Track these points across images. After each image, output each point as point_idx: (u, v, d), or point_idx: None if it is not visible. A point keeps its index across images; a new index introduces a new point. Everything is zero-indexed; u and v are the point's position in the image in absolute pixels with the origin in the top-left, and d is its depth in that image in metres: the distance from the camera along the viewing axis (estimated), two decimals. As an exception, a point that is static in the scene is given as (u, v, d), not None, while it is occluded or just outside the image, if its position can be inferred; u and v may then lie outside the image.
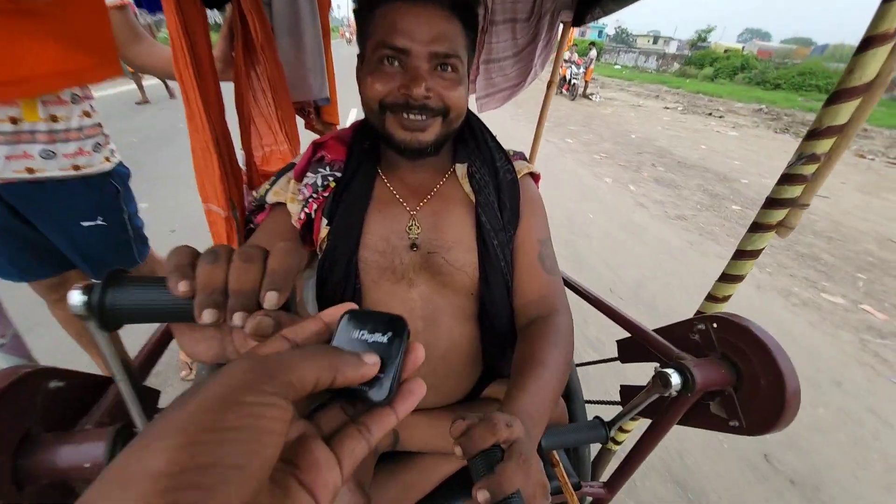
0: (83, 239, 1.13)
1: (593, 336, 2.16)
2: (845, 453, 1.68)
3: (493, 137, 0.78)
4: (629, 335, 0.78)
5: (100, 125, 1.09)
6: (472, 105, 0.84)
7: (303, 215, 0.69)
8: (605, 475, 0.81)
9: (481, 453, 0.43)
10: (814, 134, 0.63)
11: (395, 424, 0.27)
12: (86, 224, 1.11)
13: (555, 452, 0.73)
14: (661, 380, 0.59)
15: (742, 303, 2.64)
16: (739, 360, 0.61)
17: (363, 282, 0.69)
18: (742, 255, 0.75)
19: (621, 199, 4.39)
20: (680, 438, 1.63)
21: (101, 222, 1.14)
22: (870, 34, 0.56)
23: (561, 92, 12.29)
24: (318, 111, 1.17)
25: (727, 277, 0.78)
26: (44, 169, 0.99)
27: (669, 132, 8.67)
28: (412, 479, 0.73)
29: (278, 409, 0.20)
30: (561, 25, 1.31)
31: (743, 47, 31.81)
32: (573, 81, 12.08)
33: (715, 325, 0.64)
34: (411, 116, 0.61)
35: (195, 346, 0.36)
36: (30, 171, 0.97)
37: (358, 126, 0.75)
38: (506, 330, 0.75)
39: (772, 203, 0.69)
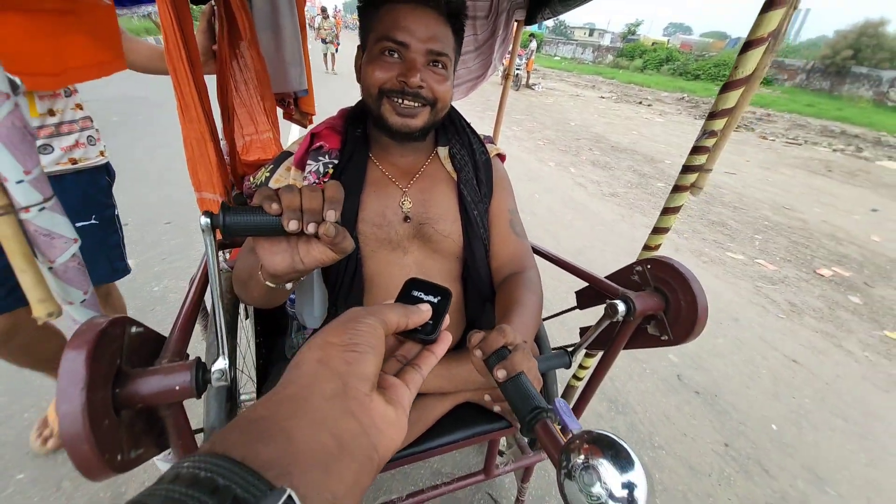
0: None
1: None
2: (740, 371, 2.09)
3: (469, 124, 0.89)
4: (585, 285, 0.91)
5: (90, 118, 1.08)
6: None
7: None
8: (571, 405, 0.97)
9: (495, 352, 0.54)
10: (712, 115, 0.81)
11: (435, 363, 0.39)
12: (79, 224, 1.07)
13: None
14: (610, 309, 0.73)
15: (664, 262, 3.07)
16: (667, 289, 0.76)
17: (363, 252, 0.78)
18: (667, 211, 0.95)
19: (562, 181, 4.78)
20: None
21: (94, 221, 1.11)
22: (749, 38, 0.71)
23: (504, 83, 12.70)
24: (296, 102, 1.26)
25: (657, 230, 0.97)
26: (44, 164, 0.94)
27: (604, 120, 9.33)
28: (412, 417, 0.81)
29: (379, 328, 0.32)
30: (515, 23, 1.43)
31: (668, 40, 34.18)
32: (517, 72, 12.52)
33: (649, 266, 0.78)
34: (405, 103, 0.70)
35: (273, 258, 0.51)
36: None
37: (348, 114, 0.83)
38: (485, 288, 0.86)
39: (686, 169, 0.88)
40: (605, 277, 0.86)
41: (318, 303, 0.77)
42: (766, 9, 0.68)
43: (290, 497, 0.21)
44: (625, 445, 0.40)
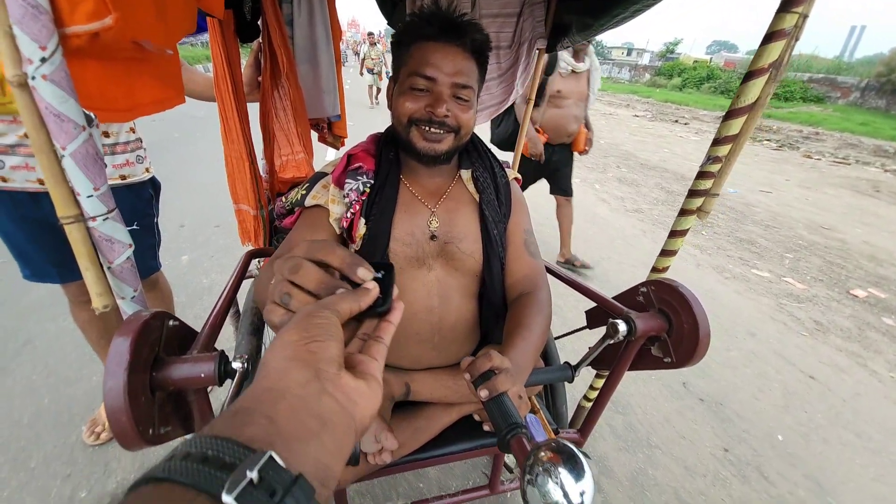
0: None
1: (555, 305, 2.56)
2: (749, 382, 2.09)
3: (489, 149, 0.94)
4: (594, 305, 0.92)
5: (140, 139, 1.23)
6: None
7: (349, 215, 0.81)
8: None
9: (481, 375, 0.59)
10: (716, 142, 0.82)
11: (394, 331, 0.41)
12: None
13: (536, 403, 0.93)
14: (611, 328, 0.74)
15: (679, 276, 3.08)
16: (671, 312, 0.76)
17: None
18: (674, 234, 0.95)
19: (586, 196, 4.84)
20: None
21: (136, 227, 1.25)
22: (751, 69, 0.73)
23: (538, 103, 12.87)
24: (329, 126, 1.42)
25: (665, 252, 0.98)
26: None
27: (636, 138, 9.28)
28: (421, 425, 0.85)
29: (333, 317, 0.34)
30: (536, 51, 1.47)
31: (711, 59, 33.35)
32: (548, 92, 12.67)
33: (653, 288, 0.80)
34: (432, 130, 0.76)
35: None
36: None
37: (381, 139, 0.88)
38: (499, 305, 0.90)
39: (692, 193, 0.88)
40: (613, 298, 0.87)
41: None
42: (766, 41, 0.70)
43: (271, 458, 0.23)
44: (580, 456, 0.43)
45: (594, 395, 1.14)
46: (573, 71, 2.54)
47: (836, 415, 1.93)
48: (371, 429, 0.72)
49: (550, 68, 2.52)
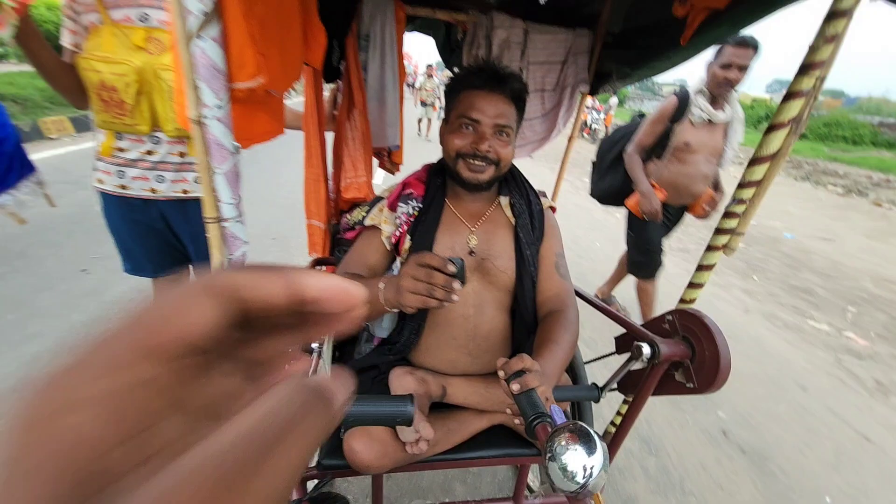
0: (205, 244, 1.49)
1: (587, 336, 2.55)
2: (798, 437, 1.98)
3: (526, 179, 1.05)
4: (623, 332, 0.96)
5: None
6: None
7: (397, 233, 0.94)
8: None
9: (514, 373, 0.66)
10: (741, 185, 0.87)
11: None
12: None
13: None
14: (636, 351, 0.79)
15: (724, 322, 2.97)
16: (693, 339, 0.80)
17: None
18: (701, 268, 0.99)
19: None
20: (648, 410, 1.99)
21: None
22: (773, 123, 0.78)
23: (582, 135, 12.95)
24: (389, 154, 1.59)
25: (692, 285, 1.01)
26: (194, 190, 1.29)
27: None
28: (453, 426, 0.92)
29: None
30: (579, 94, 1.59)
31: (771, 98, 32.13)
32: (594, 126, 12.73)
33: (678, 317, 0.84)
34: (476, 163, 0.89)
35: (416, 303, 0.71)
36: (184, 191, 1.28)
37: (431, 169, 1.02)
38: (530, 320, 0.96)
39: (718, 231, 0.93)
40: (641, 325, 0.92)
41: (388, 317, 0.98)
42: (786, 98, 0.75)
43: None
44: (593, 434, 0.49)
45: (619, 419, 1.14)
46: (709, 121, 2.02)
47: (889, 479, 1.79)
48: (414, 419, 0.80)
49: (679, 115, 2.06)
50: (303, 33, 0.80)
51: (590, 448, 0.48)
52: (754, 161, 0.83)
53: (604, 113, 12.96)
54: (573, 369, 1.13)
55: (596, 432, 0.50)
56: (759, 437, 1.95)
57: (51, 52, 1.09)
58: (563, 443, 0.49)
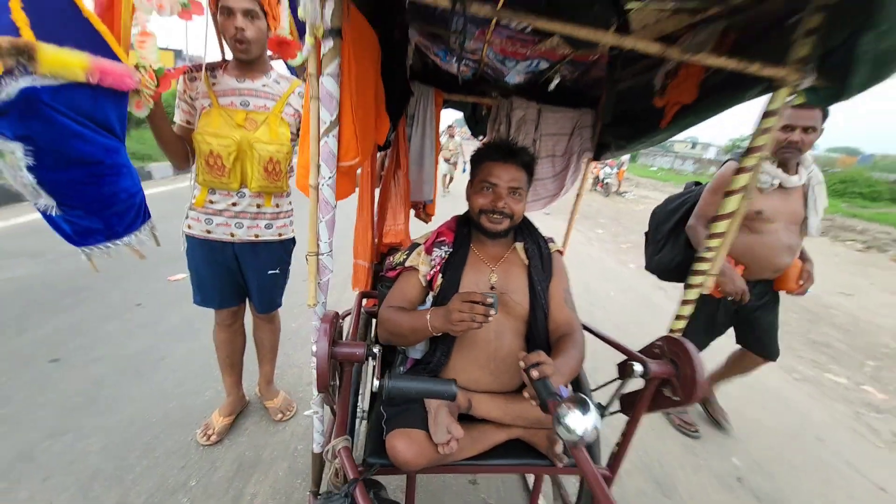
0: (265, 282, 1.67)
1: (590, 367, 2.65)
2: (813, 488, 1.99)
3: (537, 229, 1.27)
4: (625, 359, 1.11)
5: (293, 210, 1.66)
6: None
7: (432, 272, 1.16)
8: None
9: (533, 364, 0.83)
10: (710, 236, 1.13)
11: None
12: (270, 272, 1.65)
13: None
14: (630, 368, 0.98)
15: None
16: (678, 360, 0.98)
17: None
18: (685, 302, 1.21)
19: (642, 283, 4.90)
20: (660, 452, 2.05)
21: (277, 272, 1.67)
22: (727, 190, 1.02)
23: (595, 189, 13.36)
24: (424, 206, 1.92)
25: (678, 317, 1.23)
26: (263, 235, 1.57)
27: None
28: (477, 435, 1.07)
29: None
30: (585, 160, 1.91)
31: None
32: (606, 181, 13.15)
33: (665, 342, 1.04)
34: (495, 216, 1.12)
35: (462, 327, 0.93)
36: (256, 236, 1.55)
37: (459, 220, 1.25)
38: (543, 344, 1.13)
39: (695, 272, 1.17)
40: (638, 351, 1.10)
41: (422, 343, 1.17)
42: (737, 172, 0.98)
43: None
44: (588, 400, 0.67)
45: (622, 439, 1.32)
46: (780, 185, 1.79)
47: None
48: (443, 424, 0.98)
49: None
50: (375, 121, 1.09)
51: (584, 409, 0.67)
52: (716, 218, 1.05)
53: (616, 168, 13.45)
54: (581, 392, 1.28)
55: (591, 399, 0.68)
56: (774, 485, 1.97)
57: (170, 127, 1.41)
58: (566, 408, 0.68)
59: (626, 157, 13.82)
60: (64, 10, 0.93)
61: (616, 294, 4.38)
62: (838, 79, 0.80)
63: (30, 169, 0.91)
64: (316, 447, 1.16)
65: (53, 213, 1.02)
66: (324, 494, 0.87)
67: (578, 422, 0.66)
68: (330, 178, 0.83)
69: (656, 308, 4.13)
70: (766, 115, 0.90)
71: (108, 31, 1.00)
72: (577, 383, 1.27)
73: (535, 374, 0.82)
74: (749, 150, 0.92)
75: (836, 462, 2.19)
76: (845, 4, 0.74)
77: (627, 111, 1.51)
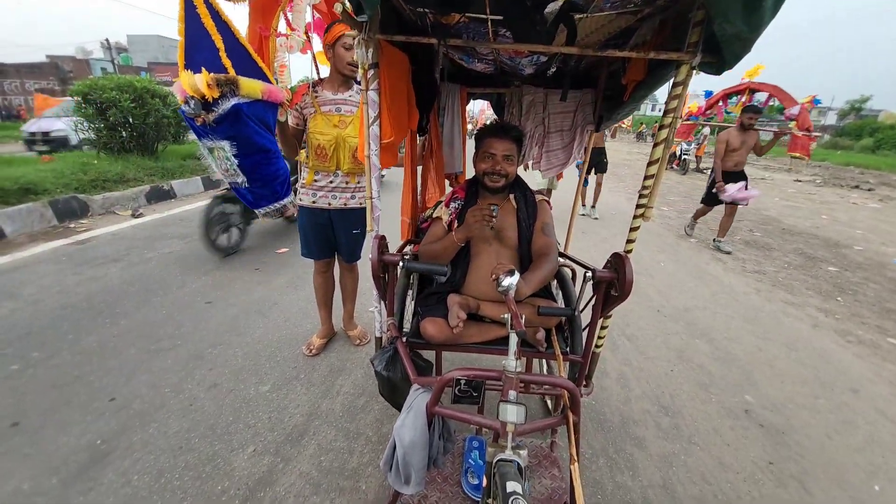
0: (350, 239, 2.26)
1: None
2: (828, 426, 2.12)
3: (527, 185, 1.66)
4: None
5: (362, 185, 2.25)
6: (521, 171, 2.00)
7: (450, 219, 1.58)
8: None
9: (505, 272, 1.14)
10: (646, 177, 1.35)
11: None
12: (354, 231, 2.24)
13: (554, 333, 1.53)
14: (587, 276, 1.35)
15: (780, 330, 3.07)
16: (619, 268, 1.29)
17: (471, 243, 1.55)
18: (632, 229, 1.45)
19: (699, 255, 4.87)
20: (672, 385, 2.33)
21: (358, 231, 2.24)
22: (655, 142, 1.30)
23: (672, 167, 12.59)
24: (455, 177, 2.39)
25: (628, 241, 1.46)
26: (350, 203, 2.16)
27: (787, 203, 8.43)
28: (483, 329, 1.49)
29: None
30: (588, 132, 2.24)
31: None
32: (684, 157, 12.35)
33: (613, 257, 1.36)
34: (494, 176, 1.51)
35: (475, 230, 1.45)
36: (345, 204, 2.15)
37: (469, 181, 1.66)
38: (528, 263, 1.52)
39: (638, 206, 1.41)
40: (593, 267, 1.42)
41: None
42: (660, 129, 1.31)
43: None
44: (515, 273, 1.13)
45: (601, 342, 1.73)
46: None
47: (927, 469, 1.87)
48: (454, 314, 1.42)
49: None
50: (408, 112, 1.61)
51: (511, 275, 1.13)
52: (650, 164, 1.35)
53: (696, 143, 12.52)
54: (569, 303, 1.64)
55: (512, 269, 1.13)
56: (784, 419, 2.15)
57: (293, 128, 2.04)
58: (502, 276, 1.13)
59: (706, 131, 12.71)
60: (242, 53, 1.58)
61: (666, 263, 4.45)
62: (718, 56, 1.13)
63: (234, 157, 1.58)
64: (377, 332, 1.71)
65: (244, 187, 1.70)
66: (378, 352, 1.42)
67: (506, 281, 1.12)
68: (376, 151, 1.36)
69: (709, 277, 4.15)
70: (675, 84, 1.23)
71: (265, 65, 1.66)
72: (546, 288, 1.65)
73: (492, 275, 1.23)
74: (665, 112, 1.27)
75: (863, 408, 2.27)
76: (708, 1, 1.07)
77: (609, 88, 1.87)
